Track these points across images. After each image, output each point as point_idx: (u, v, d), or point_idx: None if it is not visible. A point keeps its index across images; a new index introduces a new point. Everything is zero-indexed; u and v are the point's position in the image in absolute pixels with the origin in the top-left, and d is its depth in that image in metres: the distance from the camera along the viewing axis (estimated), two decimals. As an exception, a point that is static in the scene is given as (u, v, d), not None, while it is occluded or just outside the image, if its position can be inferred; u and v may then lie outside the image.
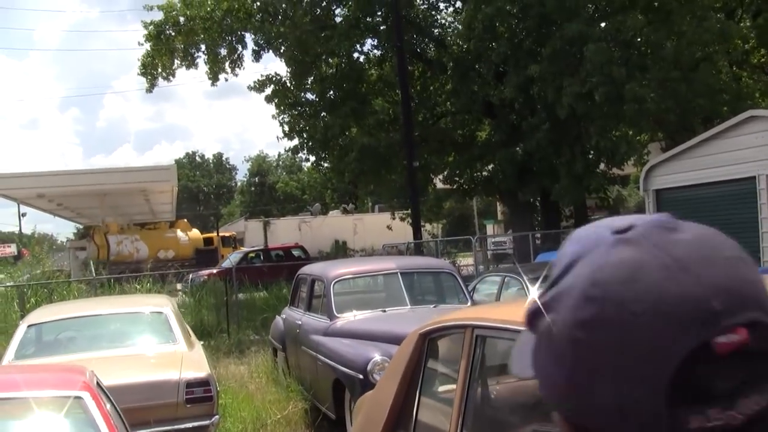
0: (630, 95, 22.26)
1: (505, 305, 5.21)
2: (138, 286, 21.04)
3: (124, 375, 8.39)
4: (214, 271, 29.93)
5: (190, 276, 31.33)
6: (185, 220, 59.82)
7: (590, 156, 26.85)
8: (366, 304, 10.67)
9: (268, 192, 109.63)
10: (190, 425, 8.22)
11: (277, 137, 33.15)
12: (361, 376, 8.57)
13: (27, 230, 80.00)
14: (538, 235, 27.58)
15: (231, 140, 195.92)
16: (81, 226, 71.76)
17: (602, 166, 28.16)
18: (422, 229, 30.48)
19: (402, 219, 33.38)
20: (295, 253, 37.77)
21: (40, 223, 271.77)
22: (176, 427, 8.10)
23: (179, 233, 52.84)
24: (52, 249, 48.30)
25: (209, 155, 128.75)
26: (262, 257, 37.45)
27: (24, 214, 78.59)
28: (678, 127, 25.86)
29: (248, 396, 11.32)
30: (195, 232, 55.64)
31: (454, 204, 55.31)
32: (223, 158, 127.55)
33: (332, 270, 11.06)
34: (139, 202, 48.55)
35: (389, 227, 37.25)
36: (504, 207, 48.66)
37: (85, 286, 22.14)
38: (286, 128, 32.53)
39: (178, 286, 27.00)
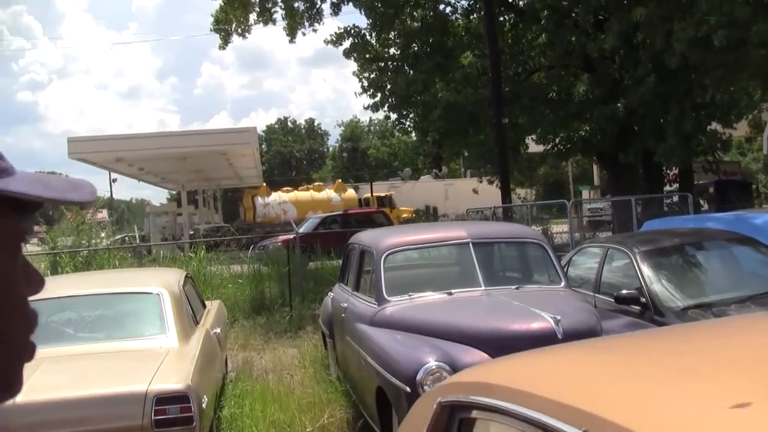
0: (757, 38, 19.15)
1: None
2: (192, 254, 19.02)
3: (67, 384, 6.11)
4: (290, 236, 27.70)
5: (263, 242, 29.47)
6: (339, 180, 58.92)
7: (702, 112, 23.98)
8: (427, 285, 8.17)
9: (360, 157, 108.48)
10: (158, 460, 5.89)
11: (356, 93, 31.09)
12: (408, 389, 6.20)
13: (126, 196, 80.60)
14: (639, 201, 24.86)
15: (326, 107, 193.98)
16: (174, 192, 71.36)
17: (714, 125, 25.28)
18: (513, 193, 28.15)
19: (491, 182, 30.91)
20: (376, 218, 35.45)
21: (140, 189, 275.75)
22: (138, 463, 5.72)
23: (332, 194, 52.03)
24: (142, 215, 48.22)
25: (302, 121, 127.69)
26: (340, 222, 35.07)
27: (115, 180, 78.66)
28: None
29: (281, 395, 9.05)
30: (350, 193, 54.83)
31: (548, 169, 52.73)
32: (315, 124, 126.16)
33: (385, 239, 8.63)
34: (223, 166, 47.71)
35: (475, 191, 34.68)
36: (602, 170, 45.83)
37: (130, 254, 20.27)
38: (366, 84, 30.31)
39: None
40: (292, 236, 22.71)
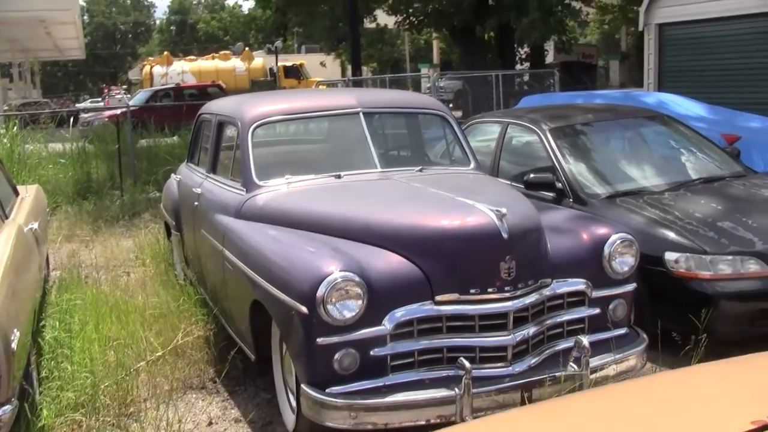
0: None
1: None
2: (2, 131, 16.53)
3: None
4: (118, 112, 25.17)
5: (87, 118, 27.00)
6: (247, 49, 55.56)
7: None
8: (308, 166, 6.34)
9: (189, 32, 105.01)
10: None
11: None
12: (304, 309, 4.41)
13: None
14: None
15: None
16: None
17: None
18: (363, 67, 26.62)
19: (339, 55, 29.14)
20: (212, 92, 33.02)
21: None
22: None
23: (237, 63, 48.82)
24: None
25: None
26: (173, 96, 32.61)
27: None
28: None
29: (119, 304, 7.12)
30: (258, 62, 51.22)
31: (385, 47, 51.44)
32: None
33: (252, 107, 6.58)
34: (40, 36, 44.12)
35: (323, 64, 32.92)
36: (443, 46, 44.79)
37: None
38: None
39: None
40: (120, 111, 20.40)
